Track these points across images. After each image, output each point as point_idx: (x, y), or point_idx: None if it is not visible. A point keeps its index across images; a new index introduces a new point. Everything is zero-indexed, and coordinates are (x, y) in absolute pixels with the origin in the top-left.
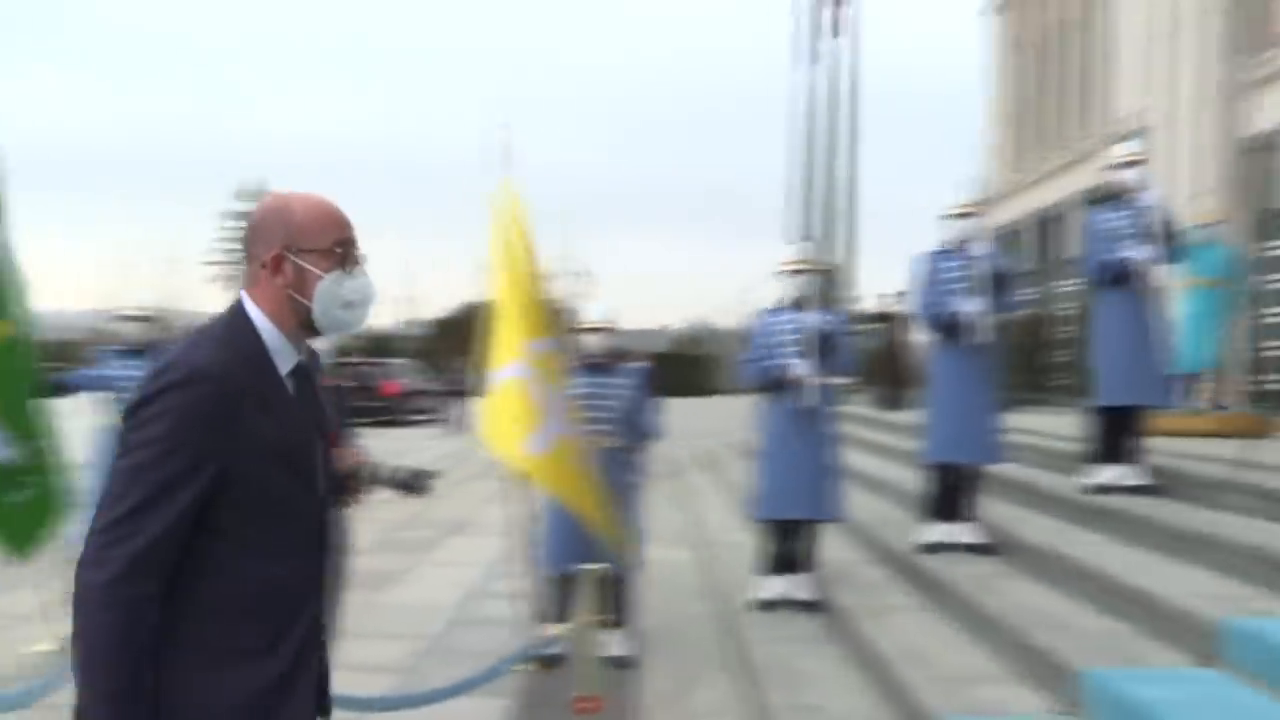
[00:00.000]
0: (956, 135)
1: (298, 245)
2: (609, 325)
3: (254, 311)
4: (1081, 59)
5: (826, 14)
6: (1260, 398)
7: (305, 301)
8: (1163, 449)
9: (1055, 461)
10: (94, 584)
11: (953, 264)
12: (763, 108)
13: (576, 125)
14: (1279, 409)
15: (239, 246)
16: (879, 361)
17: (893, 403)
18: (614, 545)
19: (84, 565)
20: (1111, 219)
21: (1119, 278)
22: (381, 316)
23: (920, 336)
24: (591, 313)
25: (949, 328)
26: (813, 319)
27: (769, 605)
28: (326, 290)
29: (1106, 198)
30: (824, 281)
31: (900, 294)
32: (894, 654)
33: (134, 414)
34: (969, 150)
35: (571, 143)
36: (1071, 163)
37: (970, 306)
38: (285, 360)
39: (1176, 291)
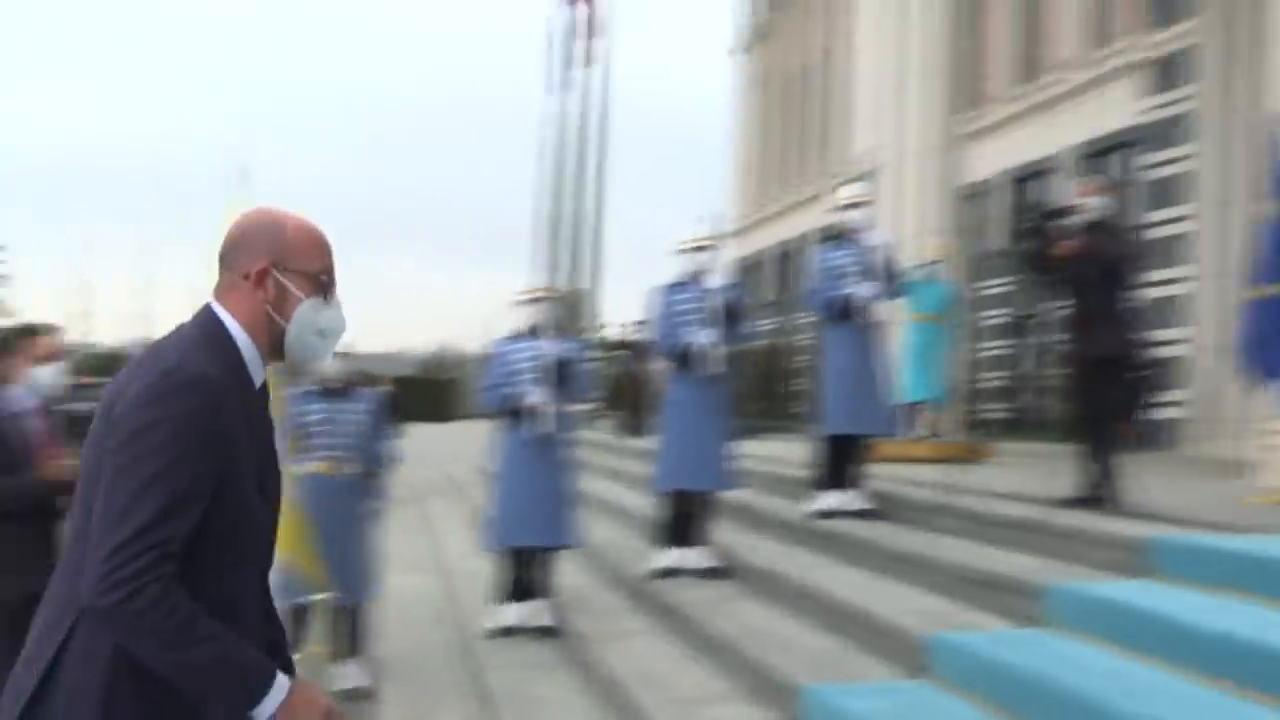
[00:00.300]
0: (708, 169)
1: (285, 264)
2: (345, 350)
3: (229, 321)
4: (822, 100)
5: (579, 44)
6: (975, 426)
7: (282, 322)
8: (885, 475)
9: (785, 487)
10: (135, 611)
11: (687, 296)
12: (516, 133)
13: (326, 143)
14: (992, 436)
15: (220, 251)
16: (620, 389)
17: (633, 429)
18: (308, 579)
19: (106, 590)
20: (837, 257)
21: (843, 313)
22: (110, 336)
23: (659, 365)
24: None
25: (682, 358)
26: (550, 347)
27: (506, 632)
28: (305, 314)
29: (835, 236)
30: (562, 309)
31: (641, 323)
32: (628, 678)
33: (127, 423)
34: (717, 183)
35: (321, 161)
36: (810, 199)
37: (703, 338)
38: (258, 373)
39: (900, 326)
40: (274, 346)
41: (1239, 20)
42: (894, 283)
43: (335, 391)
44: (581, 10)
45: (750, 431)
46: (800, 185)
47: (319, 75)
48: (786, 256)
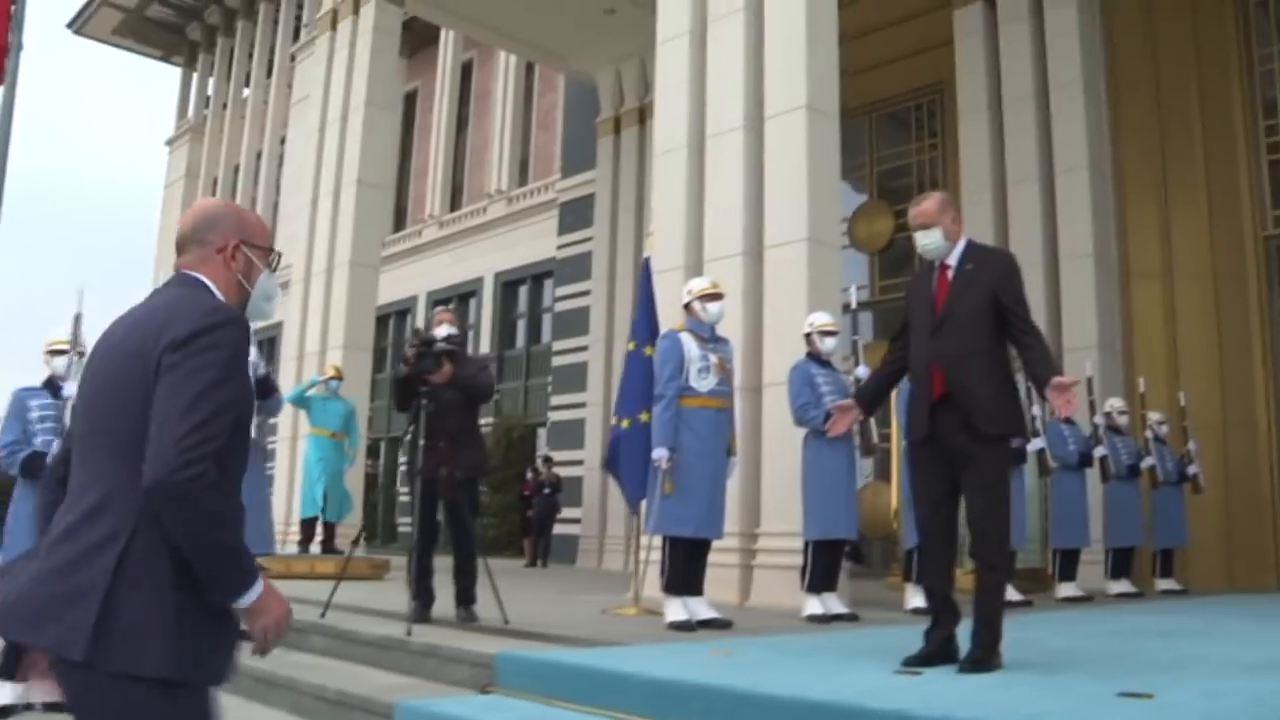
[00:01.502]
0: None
1: (249, 240)
2: None
3: (210, 285)
4: (251, 203)
5: None
6: (377, 540)
7: (249, 288)
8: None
9: None
10: (201, 488)
11: (45, 401)
12: None
13: None
14: (390, 551)
15: (184, 231)
16: None
17: None
18: None
19: (179, 468)
20: None
21: None
22: None
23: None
24: None
25: (25, 467)
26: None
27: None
28: (265, 282)
29: None
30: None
31: None
32: None
33: (186, 344)
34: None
35: None
36: None
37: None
38: None
39: (303, 441)
40: (239, 309)
41: (625, 171)
42: (268, 400)
43: None
44: None
45: None
46: None
47: None
48: None
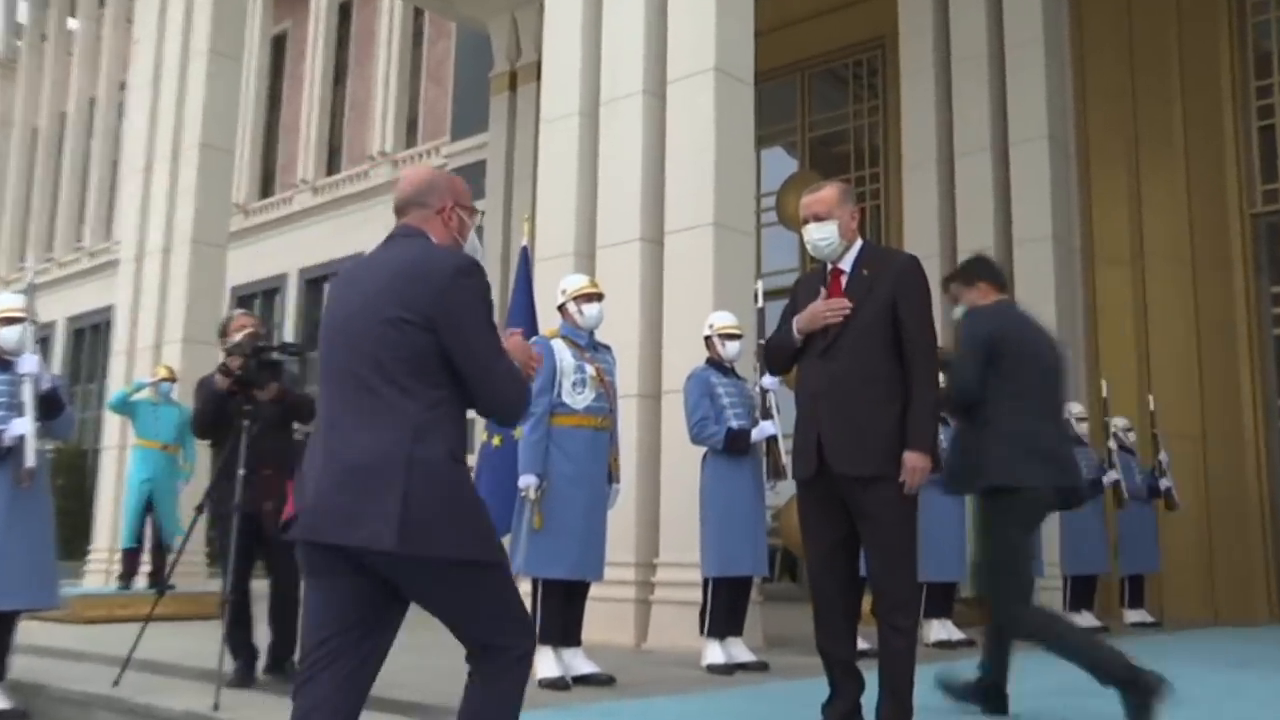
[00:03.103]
0: None
1: (460, 203)
2: None
3: (434, 241)
4: (84, 157)
5: None
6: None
7: (461, 242)
8: (64, 648)
9: None
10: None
11: None
12: None
13: None
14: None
15: (407, 194)
16: None
17: None
18: None
19: (524, 395)
20: None
21: None
22: None
23: None
24: None
25: None
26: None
27: None
28: (474, 240)
29: None
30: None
31: None
32: None
33: (455, 290)
34: None
35: None
36: (91, 270)
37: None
38: None
39: (129, 455)
40: None
41: (522, 136)
42: (56, 414)
43: None
44: None
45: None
46: (76, 255)
47: None
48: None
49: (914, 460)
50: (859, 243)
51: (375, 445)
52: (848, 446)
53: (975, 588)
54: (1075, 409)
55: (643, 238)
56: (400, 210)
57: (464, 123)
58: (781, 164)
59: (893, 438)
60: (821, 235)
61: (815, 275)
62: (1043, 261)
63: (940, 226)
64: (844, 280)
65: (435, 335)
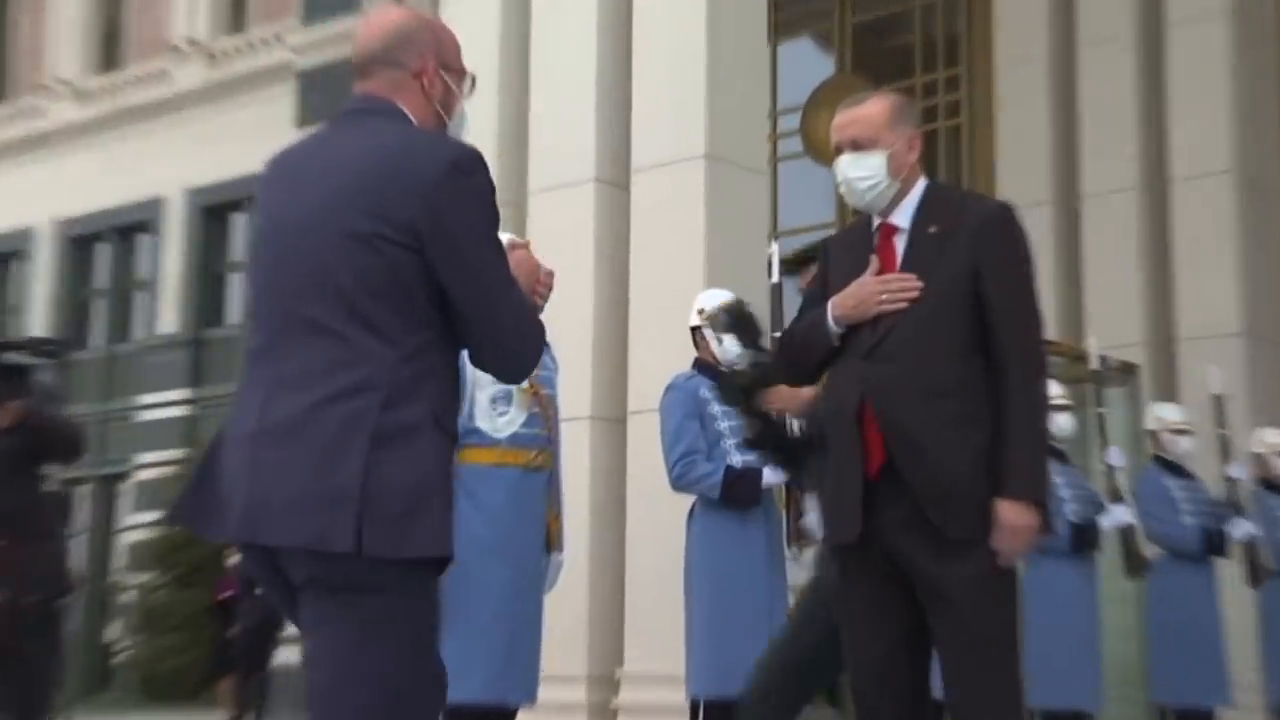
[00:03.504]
0: None
1: (446, 63)
2: None
3: (411, 119)
4: None
5: None
6: None
7: (447, 120)
8: None
9: None
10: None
11: None
12: None
13: None
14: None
15: (372, 48)
16: None
17: None
18: None
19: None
20: None
21: None
22: None
23: None
24: None
25: None
26: None
27: None
28: (463, 113)
29: None
30: None
31: None
32: None
33: (450, 183)
34: None
35: None
36: None
37: None
38: None
39: None
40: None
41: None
42: None
43: None
44: None
45: None
46: None
47: None
48: None
49: (1012, 515)
50: (922, 183)
51: (332, 409)
52: (908, 496)
53: None
54: (1275, 439)
55: (599, 178)
56: (361, 70)
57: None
58: (810, 64)
59: (976, 479)
60: (862, 173)
61: (856, 234)
62: (1218, 204)
63: (1052, 159)
64: (900, 242)
65: (421, 255)
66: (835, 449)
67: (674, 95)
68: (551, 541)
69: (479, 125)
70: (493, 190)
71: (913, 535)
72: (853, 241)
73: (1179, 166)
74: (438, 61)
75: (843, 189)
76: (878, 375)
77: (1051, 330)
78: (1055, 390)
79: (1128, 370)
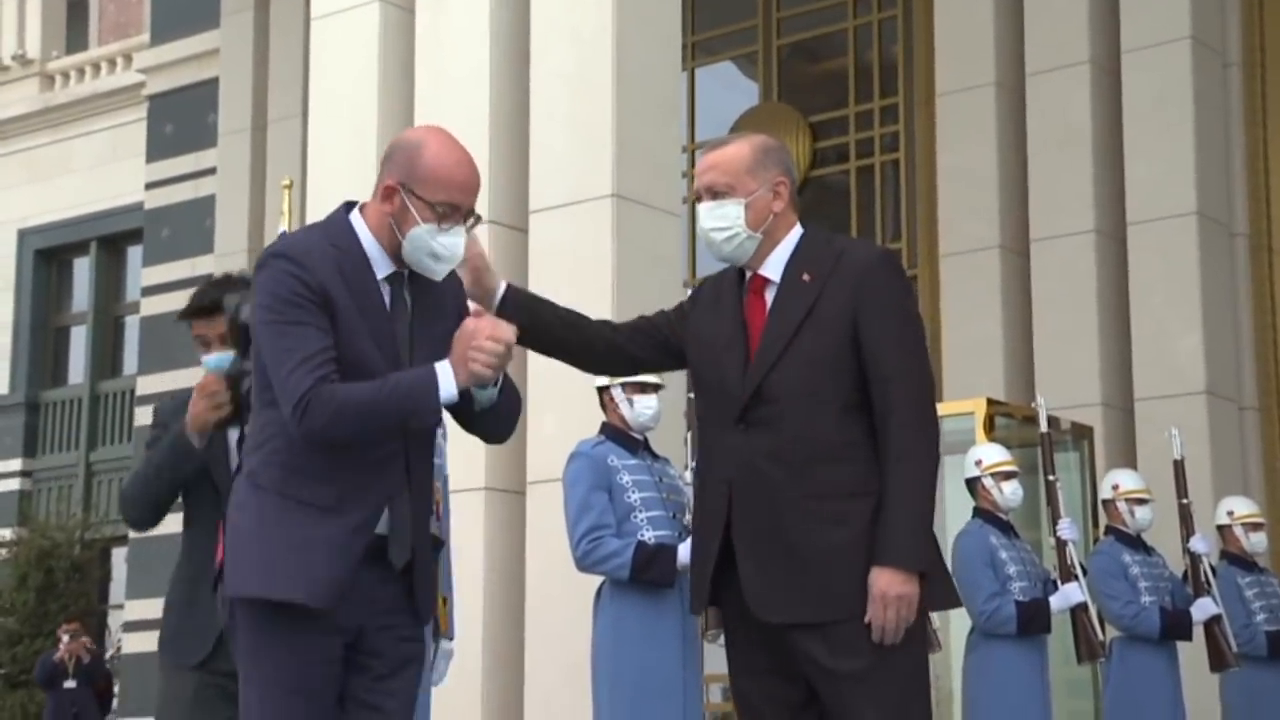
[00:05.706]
0: None
1: (411, 188)
2: None
3: (356, 217)
4: None
5: None
6: None
7: (400, 236)
8: None
9: None
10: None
11: None
12: None
13: None
14: None
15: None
16: None
17: None
18: None
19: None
20: None
21: None
22: None
23: None
24: None
25: None
26: None
27: None
28: (418, 236)
29: None
30: None
31: None
32: None
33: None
34: None
35: None
36: None
37: None
38: (380, 264)
39: None
40: (396, 254)
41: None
42: None
43: None
44: None
45: None
46: None
47: None
48: None
49: (885, 584)
50: (796, 232)
51: None
52: (778, 577)
53: None
54: (1238, 507)
55: (492, 219)
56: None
57: (174, 11)
58: (732, 92)
59: (859, 553)
60: (718, 223)
61: (718, 290)
62: (1181, 249)
63: (1000, 199)
64: (769, 295)
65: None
66: (701, 522)
67: (576, 129)
68: (439, 629)
69: (358, 169)
70: (282, 281)
71: (793, 627)
72: (719, 294)
73: (1137, 208)
74: (402, 182)
75: (704, 238)
76: (751, 443)
77: (998, 389)
78: (1000, 455)
79: (1081, 433)
